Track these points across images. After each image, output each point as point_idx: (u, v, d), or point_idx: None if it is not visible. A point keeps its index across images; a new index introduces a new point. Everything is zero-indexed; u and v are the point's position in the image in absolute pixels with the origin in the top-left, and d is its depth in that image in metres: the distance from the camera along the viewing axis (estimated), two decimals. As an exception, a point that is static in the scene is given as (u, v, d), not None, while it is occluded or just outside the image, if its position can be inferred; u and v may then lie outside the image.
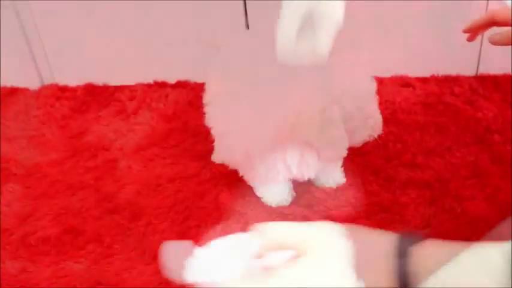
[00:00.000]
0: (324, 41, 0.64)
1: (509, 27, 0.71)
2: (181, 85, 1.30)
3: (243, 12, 1.22)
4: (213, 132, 0.88)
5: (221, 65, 0.89)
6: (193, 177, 0.98)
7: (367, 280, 0.44)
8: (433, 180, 0.92)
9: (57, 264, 0.83)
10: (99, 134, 1.16)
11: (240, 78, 0.82)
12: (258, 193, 0.91)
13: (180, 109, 1.22)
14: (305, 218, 0.85)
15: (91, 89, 1.33)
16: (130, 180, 1.00)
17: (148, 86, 1.31)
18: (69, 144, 1.14)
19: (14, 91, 1.35)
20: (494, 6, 1.12)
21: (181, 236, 0.86)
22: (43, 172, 1.05)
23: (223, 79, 0.86)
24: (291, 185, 0.92)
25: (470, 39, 0.81)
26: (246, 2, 1.21)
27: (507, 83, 1.17)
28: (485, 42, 1.18)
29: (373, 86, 0.77)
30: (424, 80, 1.21)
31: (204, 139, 1.08)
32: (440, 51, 1.20)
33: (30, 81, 1.38)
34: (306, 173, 0.80)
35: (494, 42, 0.72)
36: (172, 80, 1.32)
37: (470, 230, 0.81)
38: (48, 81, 1.39)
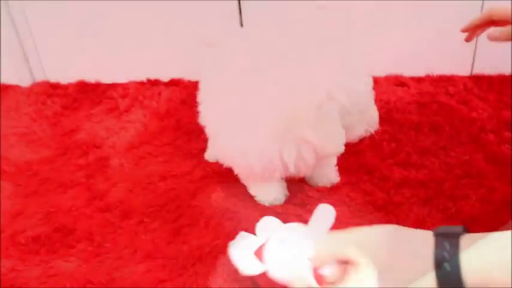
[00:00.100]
0: None
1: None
2: (174, 83, 1.30)
3: (238, 10, 1.22)
4: (207, 131, 0.87)
5: (215, 64, 0.88)
6: (185, 176, 0.98)
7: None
8: (427, 179, 0.91)
9: (47, 263, 0.82)
10: (91, 131, 1.15)
11: (234, 76, 0.81)
12: (251, 192, 0.90)
13: (173, 107, 1.21)
14: (298, 218, 0.84)
15: (83, 86, 1.32)
16: (122, 179, 0.99)
17: (141, 83, 1.31)
18: (60, 141, 1.12)
19: (5, 88, 1.34)
20: (489, 7, 1.12)
21: (173, 234, 0.84)
22: (34, 170, 1.04)
23: (217, 77, 0.85)
24: (285, 184, 0.91)
25: (468, 39, 0.80)
26: (241, 0, 1.20)
27: (502, 83, 1.17)
28: (480, 42, 1.18)
29: (370, 81, 0.76)
30: (418, 80, 1.21)
31: (196, 137, 1.07)
32: (435, 51, 1.20)
33: (21, 78, 1.36)
34: (303, 169, 0.79)
35: (493, 39, 0.72)
36: (165, 78, 1.31)
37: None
38: (39, 78, 1.38)
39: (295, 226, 0.72)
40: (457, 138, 1.01)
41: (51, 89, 1.32)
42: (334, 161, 0.93)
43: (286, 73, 0.73)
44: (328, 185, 0.92)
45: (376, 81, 1.16)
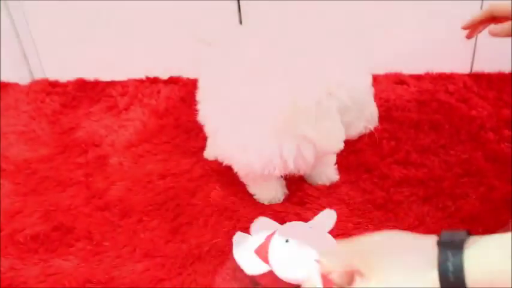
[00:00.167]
0: None
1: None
2: (173, 81, 1.29)
3: (237, 8, 1.21)
4: (206, 129, 0.87)
5: (214, 62, 0.87)
6: (184, 174, 0.97)
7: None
8: (427, 178, 0.91)
9: (46, 262, 0.81)
10: (90, 130, 1.14)
11: (233, 74, 0.81)
12: (251, 190, 0.90)
13: (172, 105, 1.20)
14: (297, 216, 0.84)
15: (82, 84, 1.32)
16: (121, 177, 0.98)
17: (140, 81, 1.30)
18: (59, 140, 1.12)
19: (3, 86, 1.34)
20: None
21: (172, 233, 0.84)
22: (32, 168, 1.03)
23: (216, 76, 0.85)
24: (284, 182, 0.91)
25: (469, 36, 0.80)
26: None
27: (501, 81, 1.17)
28: (480, 40, 1.18)
29: (369, 78, 0.76)
30: (418, 78, 1.21)
31: (196, 135, 1.07)
32: (435, 49, 1.20)
33: (20, 76, 1.36)
34: (303, 166, 0.79)
35: (494, 34, 0.71)
36: (164, 76, 1.31)
37: (463, 228, 0.80)
38: (38, 76, 1.37)
39: (296, 225, 0.73)
40: (456, 137, 1.01)
41: (50, 87, 1.32)
42: (334, 159, 0.93)
43: (285, 70, 0.73)
44: (328, 184, 0.92)
45: (376, 79, 1.16)
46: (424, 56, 1.21)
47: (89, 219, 0.89)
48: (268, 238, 0.69)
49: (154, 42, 1.28)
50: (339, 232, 0.78)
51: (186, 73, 1.29)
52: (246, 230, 0.77)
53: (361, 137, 0.99)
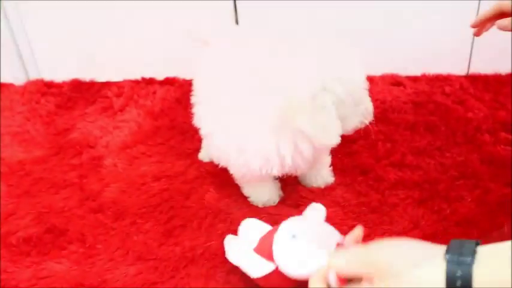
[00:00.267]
0: None
1: None
2: (169, 82, 1.29)
3: (233, 8, 1.21)
4: (201, 132, 0.86)
5: (208, 63, 0.87)
6: (179, 176, 0.97)
7: None
8: (422, 180, 0.91)
9: (38, 265, 0.81)
10: (85, 131, 1.14)
11: (227, 73, 0.81)
12: (245, 193, 0.90)
13: (167, 106, 1.20)
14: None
15: (77, 85, 1.32)
16: (115, 179, 0.98)
17: (136, 82, 1.30)
18: (53, 141, 1.12)
19: (-1, 86, 1.33)
20: (485, 7, 1.11)
21: (166, 236, 0.84)
22: (26, 170, 1.03)
23: (210, 77, 0.85)
24: (279, 185, 0.91)
25: (477, 34, 0.79)
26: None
27: (498, 82, 1.16)
28: (477, 42, 1.17)
29: (363, 72, 0.76)
30: (415, 79, 1.20)
31: (191, 137, 1.06)
32: (432, 50, 1.19)
33: (15, 76, 1.35)
34: (301, 164, 0.78)
35: (502, 28, 0.71)
36: (160, 77, 1.31)
37: (459, 231, 0.80)
38: (34, 76, 1.37)
39: (299, 219, 0.71)
40: (452, 139, 1.00)
41: (45, 88, 1.32)
42: (329, 161, 0.92)
43: (279, 65, 0.73)
44: (323, 186, 0.91)
45: (372, 80, 1.16)
46: (421, 57, 1.21)
47: (82, 222, 0.88)
48: (270, 235, 0.68)
49: (150, 43, 1.28)
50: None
51: (182, 74, 1.29)
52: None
53: (357, 139, 1.00)
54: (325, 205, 0.85)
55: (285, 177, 0.86)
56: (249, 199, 0.90)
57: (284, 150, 0.75)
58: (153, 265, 0.79)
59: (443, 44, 1.17)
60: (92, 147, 1.08)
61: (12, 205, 0.94)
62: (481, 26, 0.78)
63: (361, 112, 0.78)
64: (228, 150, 0.80)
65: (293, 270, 0.63)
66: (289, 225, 0.67)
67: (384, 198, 0.88)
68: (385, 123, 1.05)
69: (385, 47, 1.19)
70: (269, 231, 0.71)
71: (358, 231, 0.63)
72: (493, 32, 0.77)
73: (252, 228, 0.75)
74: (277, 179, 0.89)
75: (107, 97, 1.25)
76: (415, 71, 1.22)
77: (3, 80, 1.35)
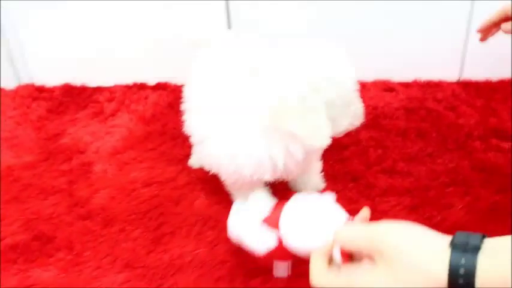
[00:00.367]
0: None
1: None
2: (161, 87, 1.28)
3: (225, 12, 1.21)
4: (192, 140, 0.86)
5: (199, 70, 0.87)
6: (169, 182, 0.96)
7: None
8: (413, 187, 0.90)
9: (25, 272, 0.80)
10: (76, 136, 1.13)
11: (217, 79, 0.80)
12: (236, 199, 0.89)
13: (159, 111, 1.19)
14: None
15: (69, 90, 1.31)
16: (105, 185, 0.97)
17: (128, 87, 1.29)
18: (43, 146, 1.11)
19: (-11, 91, 1.32)
20: (477, 14, 1.11)
21: (154, 243, 0.83)
22: (15, 175, 1.02)
23: (201, 83, 0.84)
24: (269, 191, 0.90)
25: (482, 39, 0.79)
26: (229, 2, 1.19)
27: (489, 89, 1.16)
28: (469, 47, 1.18)
29: (354, 73, 0.76)
30: (407, 85, 1.20)
31: (182, 142, 1.06)
32: (424, 56, 1.20)
33: (6, 81, 1.35)
34: (292, 167, 0.78)
35: (507, 31, 0.72)
36: (152, 82, 1.30)
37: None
38: (25, 80, 1.36)
39: (307, 196, 0.70)
40: (443, 145, 1.00)
41: (36, 92, 1.31)
42: (320, 167, 0.92)
43: (269, 67, 0.73)
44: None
45: (364, 86, 1.16)
46: (413, 63, 1.21)
47: (71, 229, 0.87)
48: (280, 206, 0.67)
49: (142, 47, 1.27)
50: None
51: (174, 79, 1.28)
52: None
53: (348, 145, 0.99)
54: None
55: (276, 183, 0.85)
56: (239, 206, 0.89)
57: (275, 153, 0.75)
58: (141, 273, 0.78)
59: (435, 50, 1.17)
60: (82, 152, 1.07)
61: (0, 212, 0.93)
62: (486, 31, 0.78)
63: (351, 113, 0.77)
64: (219, 156, 0.80)
65: (297, 241, 0.62)
66: (302, 198, 0.67)
67: (374, 205, 0.87)
68: (377, 129, 1.05)
69: (377, 53, 1.19)
70: (280, 201, 0.69)
71: (366, 212, 0.62)
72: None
73: (263, 199, 0.73)
74: (267, 185, 0.88)
75: (99, 102, 1.25)
76: (407, 77, 1.22)
77: (-6, 85, 1.34)
